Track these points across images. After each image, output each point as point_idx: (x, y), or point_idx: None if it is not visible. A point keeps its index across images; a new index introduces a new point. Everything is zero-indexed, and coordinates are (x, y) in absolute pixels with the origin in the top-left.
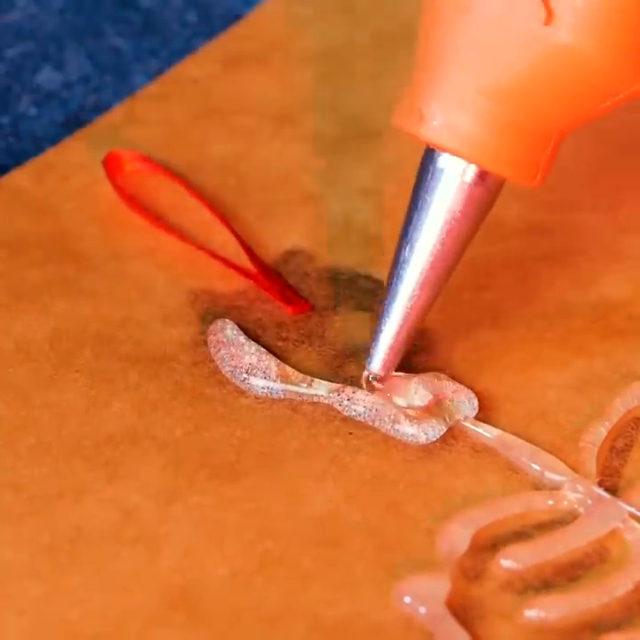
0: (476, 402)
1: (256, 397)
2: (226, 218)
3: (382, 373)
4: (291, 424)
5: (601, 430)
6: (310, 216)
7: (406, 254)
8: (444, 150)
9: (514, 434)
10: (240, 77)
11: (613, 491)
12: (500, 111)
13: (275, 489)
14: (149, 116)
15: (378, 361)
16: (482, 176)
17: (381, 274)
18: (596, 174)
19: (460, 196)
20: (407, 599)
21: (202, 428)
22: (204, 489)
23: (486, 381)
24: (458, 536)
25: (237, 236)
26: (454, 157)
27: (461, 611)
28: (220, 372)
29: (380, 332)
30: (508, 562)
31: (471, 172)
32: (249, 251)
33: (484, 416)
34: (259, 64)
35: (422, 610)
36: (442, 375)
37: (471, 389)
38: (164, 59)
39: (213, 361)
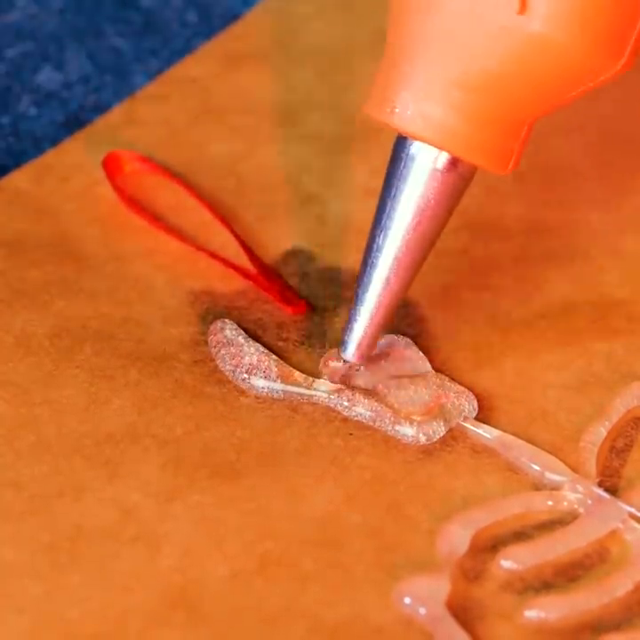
0: (475, 403)
1: (256, 397)
2: (225, 218)
3: (357, 361)
4: (291, 424)
5: (601, 430)
6: (310, 216)
7: (380, 241)
8: (417, 139)
9: (514, 434)
10: (240, 77)
11: (613, 491)
12: (471, 101)
13: (275, 489)
14: (149, 117)
15: (352, 349)
16: (454, 163)
17: None
18: (596, 174)
19: (433, 183)
20: (407, 600)
21: (202, 426)
22: (204, 488)
23: (486, 381)
24: (458, 537)
25: (237, 237)
26: (426, 145)
27: (461, 611)
28: (221, 371)
29: (355, 320)
30: (508, 562)
31: (443, 159)
32: (249, 251)
33: (483, 416)
34: (258, 63)
35: (422, 610)
36: (442, 376)
37: (471, 389)
38: (164, 59)
39: (214, 360)
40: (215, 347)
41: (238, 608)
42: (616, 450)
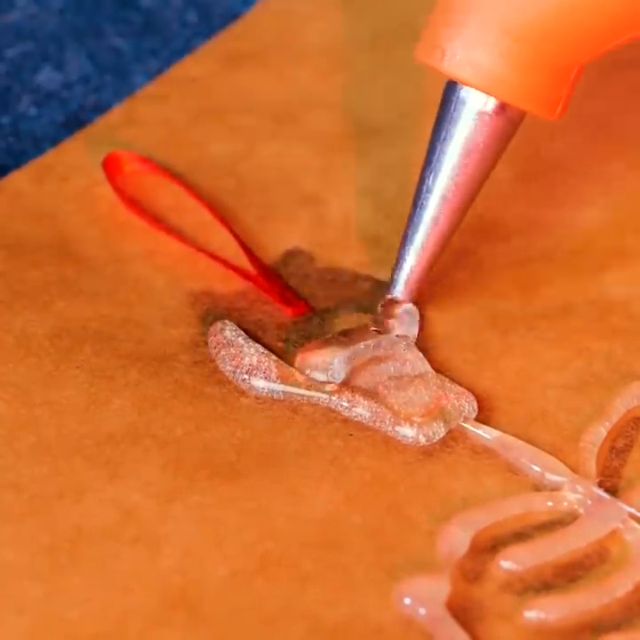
0: (475, 404)
1: (256, 398)
2: (225, 218)
3: (405, 298)
4: (291, 425)
5: (601, 430)
6: (310, 216)
7: (430, 183)
8: (466, 84)
9: (514, 435)
10: (239, 76)
11: (613, 491)
12: (521, 48)
13: (275, 489)
14: (149, 117)
15: (401, 286)
16: (503, 107)
17: (382, 274)
18: (595, 174)
19: (482, 127)
20: (407, 601)
21: (202, 427)
22: (204, 488)
23: (486, 382)
24: (458, 538)
25: (237, 238)
26: (476, 90)
27: (461, 612)
28: (221, 371)
29: (404, 259)
30: (508, 563)
31: (492, 103)
32: (249, 252)
33: (483, 417)
34: (258, 62)
35: (422, 611)
36: (443, 377)
37: (471, 390)
38: (164, 59)
39: (214, 361)
40: (215, 348)
41: (238, 608)
42: (616, 450)
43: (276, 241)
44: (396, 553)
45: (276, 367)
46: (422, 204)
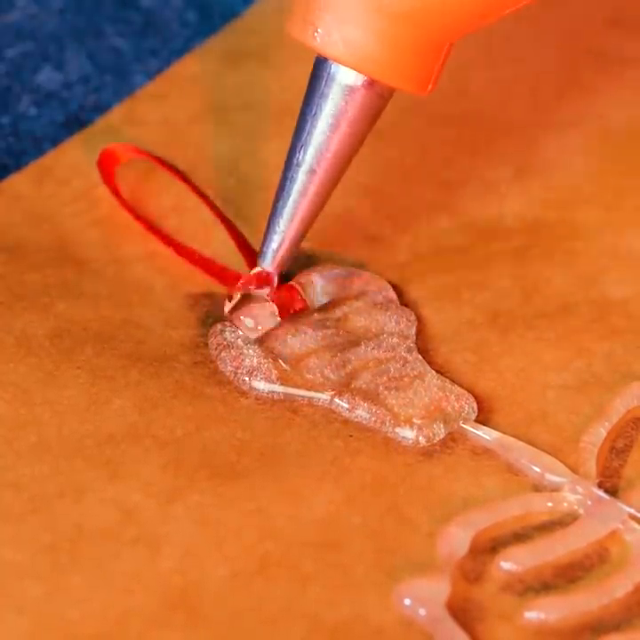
0: (475, 405)
1: (256, 398)
2: (226, 217)
3: (273, 270)
4: (291, 425)
5: (601, 431)
6: None
7: (300, 157)
8: (337, 62)
9: (513, 435)
10: (240, 74)
11: (613, 492)
12: (391, 26)
13: (275, 490)
14: (149, 116)
15: (269, 258)
16: (372, 83)
17: (382, 274)
18: (595, 173)
19: (352, 102)
20: (407, 601)
21: (202, 427)
22: (204, 489)
23: (486, 382)
24: (458, 538)
25: (236, 237)
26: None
27: (461, 613)
28: (221, 372)
29: (274, 231)
30: (508, 564)
31: (362, 78)
32: (248, 248)
33: (483, 418)
34: (259, 61)
35: (422, 612)
36: (442, 378)
37: (471, 391)
38: (164, 59)
39: (214, 362)
40: (216, 349)
41: (238, 609)
42: (616, 450)
43: None
44: (396, 554)
45: (276, 368)
46: (292, 177)
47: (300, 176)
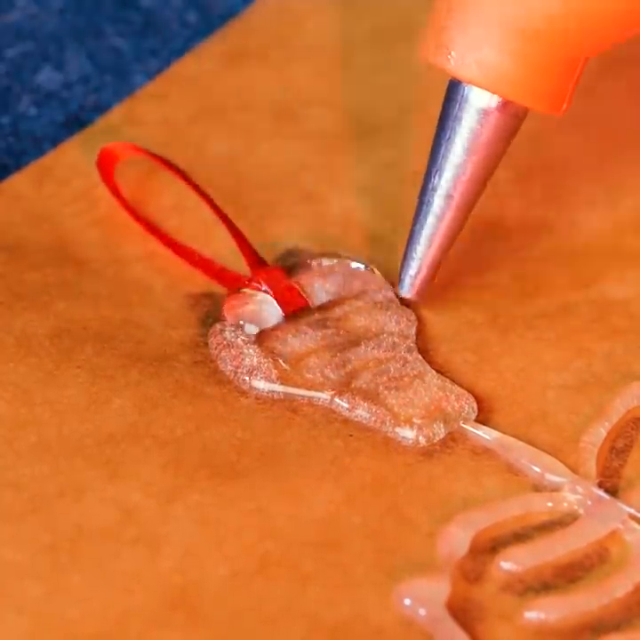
0: (475, 405)
1: (256, 398)
2: (227, 216)
3: (414, 297)
4: (291, 425)
5: (601, 431)
6: (310, 215)
7: (435, 181)
8: (472, 83)
9: (513, 435)
10: (239, 74)
11: (613, 492)
12: (527, 46)
13: (275, 489)
14: (149, 116)
15: (408, 285)
16: (507, 104)
17: (382, 274)
18: (596, 173)
19: (487, 125)
20: (407, 601)
21: (202, 427)
22: (204, 488)
23: (486, 382)
24: (458, 538)
25: (236, 235)
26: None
27: (461, 613)
28: (221, 371)
29: (411, 257)
30: (508, 564)
31: (496, 100)
32: (249, 250)
33: (483, 418)
34: (258, 61)
35: (422, 612)
36: (443, 377)
37: (471, 391)
38: (164, 59)
39: (214, 361)
40: (216, 348)
41: (238, 609)
42: (616, 450)
43: (277, 239)
44: (396, 554)
45: (277, 368)
46: (428, 201)
47: (437, 200)
